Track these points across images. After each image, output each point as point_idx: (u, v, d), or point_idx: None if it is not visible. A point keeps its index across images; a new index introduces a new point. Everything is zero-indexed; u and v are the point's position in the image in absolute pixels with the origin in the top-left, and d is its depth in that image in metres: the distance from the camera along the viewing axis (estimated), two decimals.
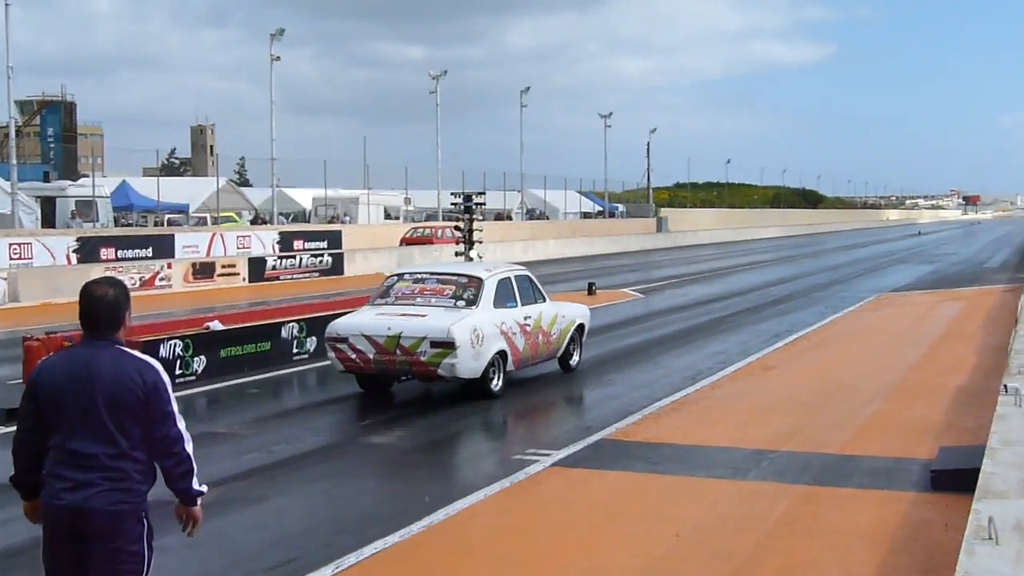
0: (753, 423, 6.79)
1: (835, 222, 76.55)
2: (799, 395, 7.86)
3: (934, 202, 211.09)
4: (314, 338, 8.93)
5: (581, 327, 7.98)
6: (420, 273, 6.45)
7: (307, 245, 22.38)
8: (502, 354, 6.17)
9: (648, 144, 56.32)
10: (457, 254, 14.80)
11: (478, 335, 5.63)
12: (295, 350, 9.08)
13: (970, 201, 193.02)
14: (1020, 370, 5.72)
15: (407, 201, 35.92)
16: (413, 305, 5.82)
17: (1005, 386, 4.96)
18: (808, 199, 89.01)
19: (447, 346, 5.46)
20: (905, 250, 37.93)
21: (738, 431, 6.52)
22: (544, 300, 7.13)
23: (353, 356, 5.64)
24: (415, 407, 6.68)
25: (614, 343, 11.41)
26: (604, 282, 19.88)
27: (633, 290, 18.82)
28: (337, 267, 21.43)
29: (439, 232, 25.41)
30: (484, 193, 16.82)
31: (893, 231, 69.26)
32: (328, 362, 6.58)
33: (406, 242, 25.99)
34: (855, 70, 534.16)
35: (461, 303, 5.86)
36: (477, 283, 6.10)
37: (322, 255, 21.38)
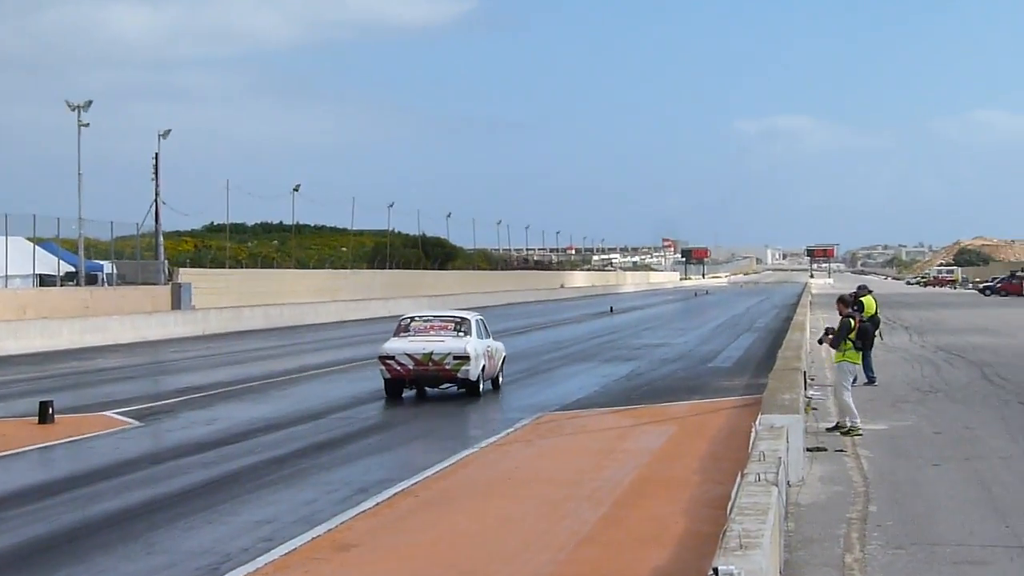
0: None
1: (478, 290, 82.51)
2: None
3: (638, 258, 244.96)
4: None
5: (505, 357, 20.93)
6: (426, 316, 18.93)
7: None
8: (483, 368, 18.21)
9: (157, 157, 53.36)
10: None
11: (476, 352, 16.73)
12: None
13: (693, 257, 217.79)
14: (742, 543, 6.13)
15: None
16: (431, 335, 17.63)
17: (715, 570, 5.41)
18: (432, 252, 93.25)
19: (464, 358, 17.23)
20: (588, 338, 41.09)
21: None
22: (491, 337, 19.44)
23: (398, 368, 17.89)
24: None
25: (78, 510, 11.48)
26: (69, 398, 20.64)
27: (122, 413, 19.05)
28: None
29: None
30: None
31: (573, 306, 76.88)
32: None
33: None
34: (511, 37, 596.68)
35: (461, 333, 17.36)
36: (467, 321, 18.02)
37: None
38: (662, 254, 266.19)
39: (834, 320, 17.79)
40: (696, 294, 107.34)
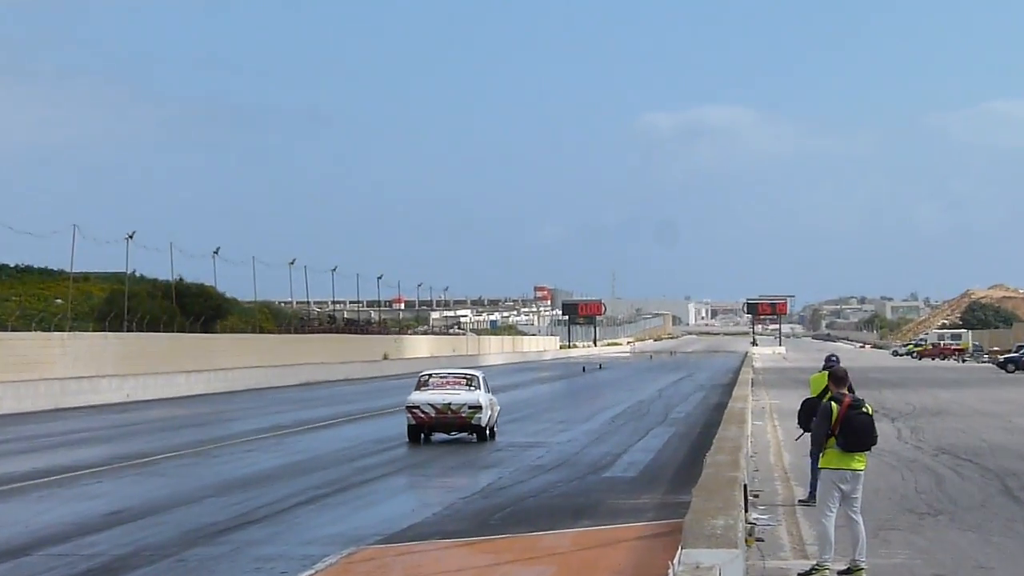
0: None
1: (262, 362, 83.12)
2: None
3: (498, 315, 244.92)
4: None
5: (499, 409, 40.32)
6: (442, 372, 39.95)
7: None
8: (490, 416, 37.78)
9: None
10: None
11: (485, 403, 36.74)
12: None
13: (579, 314, 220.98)
14: None
15: None
16: (448, 388, 36.97)
17: None
18: (192, 306, 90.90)
19: (477, 408, 36.30)
20: None
21: None
22: (490, 391, 38.87)
23: (422, 415, 36.44)
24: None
25: None
26: None
27: None
28: None
29: None
30: None
31: (403, 386, 76.40)
32: None
33: None
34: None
35: (472, 387, 37.03)
36: (476, 378, 37.93)
37: None
38: (534, 309, 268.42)
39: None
40: (585, 369, 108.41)
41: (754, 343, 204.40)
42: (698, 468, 22.70)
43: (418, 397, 37.05)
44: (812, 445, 16.51)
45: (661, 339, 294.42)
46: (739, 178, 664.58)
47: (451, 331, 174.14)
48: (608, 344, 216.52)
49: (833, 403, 16.31)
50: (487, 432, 37.17)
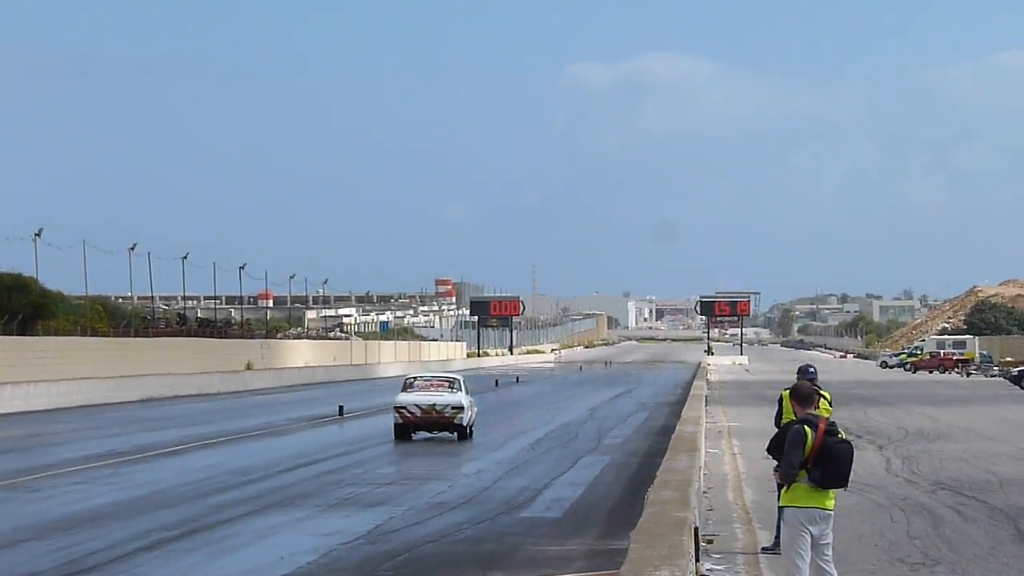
0: None
1: (95, 373, 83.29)
2: None
3: (389, 315, 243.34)
4: None
5: (476, 411, 55.27)
6: (426, 376, 56.15)
7: None
8: (471, 416, 53.27)
9: None
10: None
11: (466, 404, 51.89)
12: None
13: (492, 313, 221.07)
14: None
15: None
16: (432, 390, 52.16)
17: None
18: (5, 302, 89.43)
19: (460, 409, 50.92)
20: (299, 463, 42.14)
21: None
22: (469, 394, 54.26)
23: (408, 415, 51.09)
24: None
25: None
26: None
27: None
28: None
29: None
30: None
31: (273, 404, 77.15)
32: None
33: None
34: None
35: (455, 388, 52.25)
36: (458, 380, 53.33)
37: None
38: (436, 308, 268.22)
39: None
40: (498, 383, 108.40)
41: (709, 351, 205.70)
42: (638, 507, 22.88)
43: (405, 398, 50.65)
44: (780, 479, 16.51)
45: (594, 346, 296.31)
46: (692, 146, 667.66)
47: (332, 334, 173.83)
48: (528, 352, 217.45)
49: (806, 427, 16.34)
50: (468, 431, 50.96)
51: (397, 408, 49.96)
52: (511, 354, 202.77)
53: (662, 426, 52.36)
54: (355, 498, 32.25)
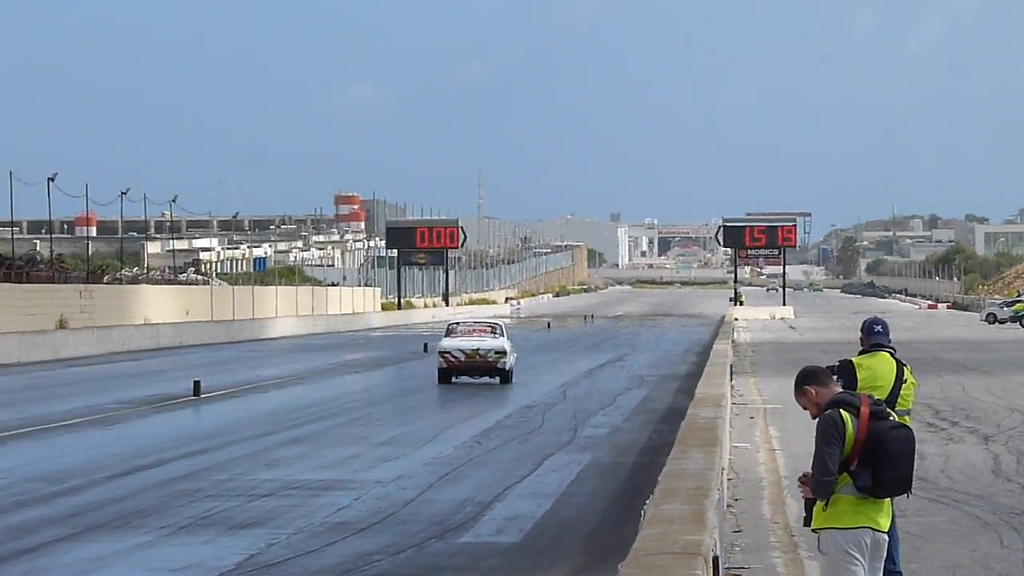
0: None
1: None
2: None
3: (268, 247, 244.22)
4: None
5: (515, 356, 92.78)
6: (468, 321, 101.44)
7: None
8: (512, 361, 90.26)
9: None
10: None
11: (508, 349, 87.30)
12: None
13: (418, 244, 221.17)
14: None
15: None
16: (475, 335, 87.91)
17: None
18: None
19: (503, 353, 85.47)
20: (142, 465, 42.96)
21: None
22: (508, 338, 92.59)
23: (453, 359, 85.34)
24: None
25: None
26: None
27: None
28: None
29: None
30: None
31: (101, 377, 78.92)
32: None
33: None
34: None
35: (497, 333, 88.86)
36: (500, 326, 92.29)
37: None
38: (335, 237, 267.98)
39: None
40: (427, 348, 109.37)
41: (737, 300, 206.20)
42: (631, 527, 23.03)
43: (449, 343, 73.84)
44: (811, 491, 16.24)
45: (569, 292, 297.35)
46: (707, 3, 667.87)
47: (184, 277, 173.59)
48: (472, 302, 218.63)
49: (843, 412, 16.27)
50: (509, 375, 73.79)
51: (441, 353, 74.35)
52: (447, 305, 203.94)
53: (667, 409, 52.86)
54: (217, 516, 32.51)
